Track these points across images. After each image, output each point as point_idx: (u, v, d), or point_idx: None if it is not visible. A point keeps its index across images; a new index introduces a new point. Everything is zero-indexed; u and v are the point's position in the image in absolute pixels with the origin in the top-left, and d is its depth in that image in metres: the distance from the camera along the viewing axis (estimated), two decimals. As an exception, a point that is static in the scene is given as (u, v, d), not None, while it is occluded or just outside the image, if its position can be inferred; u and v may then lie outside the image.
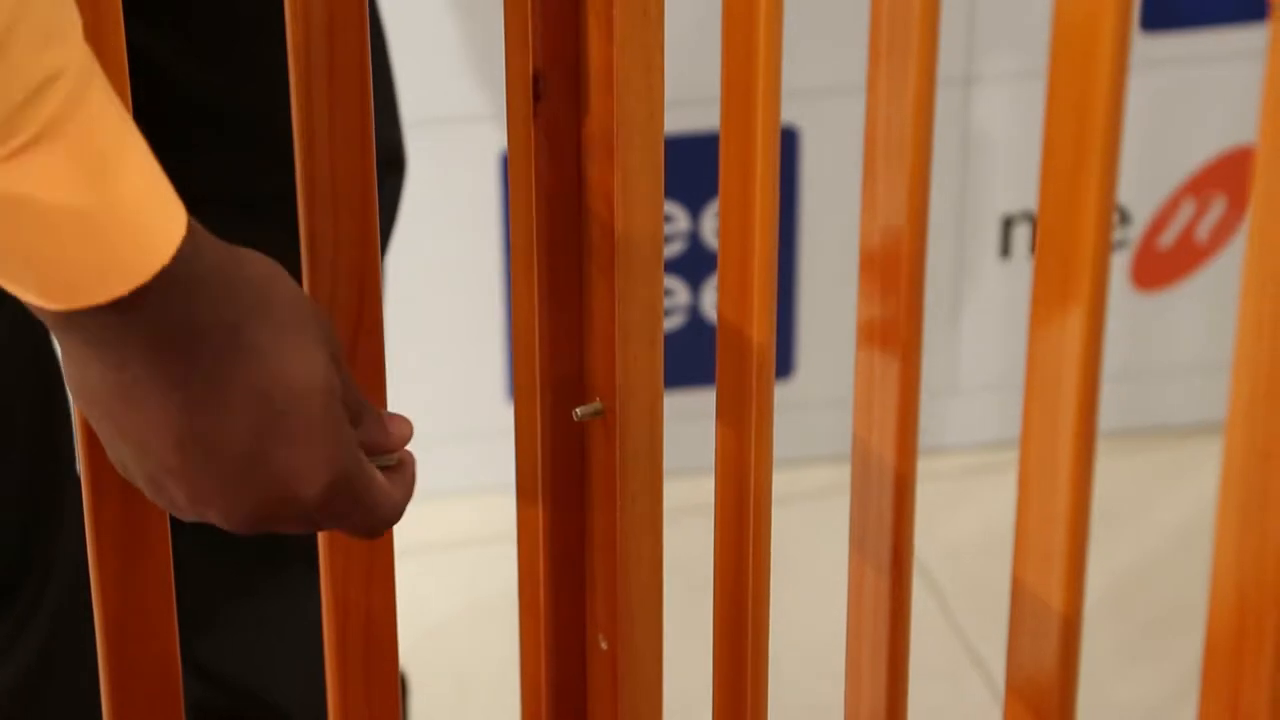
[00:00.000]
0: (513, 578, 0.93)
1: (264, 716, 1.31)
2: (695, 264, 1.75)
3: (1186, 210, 1.78)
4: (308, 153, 0.81)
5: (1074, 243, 0.66)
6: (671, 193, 1.71)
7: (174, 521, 0.87)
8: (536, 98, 0.84)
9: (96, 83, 0.69)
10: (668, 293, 1.75)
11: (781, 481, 0.86)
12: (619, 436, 0.88)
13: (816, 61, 1.67)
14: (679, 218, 1.73)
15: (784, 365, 1.78)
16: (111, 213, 0.70)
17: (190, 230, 0.72)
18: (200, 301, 0.73)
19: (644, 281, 0.86)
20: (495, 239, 1.71)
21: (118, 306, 0.71)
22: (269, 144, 1.09)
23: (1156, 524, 1.75)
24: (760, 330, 0.82)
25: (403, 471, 0.81)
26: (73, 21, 0.68)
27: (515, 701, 0.97)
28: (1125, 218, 1.78)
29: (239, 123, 1.12)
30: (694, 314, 1.77)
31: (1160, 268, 1.80)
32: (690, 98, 1.52)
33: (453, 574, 1.43)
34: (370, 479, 0.79)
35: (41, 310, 0.72)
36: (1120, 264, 1.79)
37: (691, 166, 1.58)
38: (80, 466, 0.86)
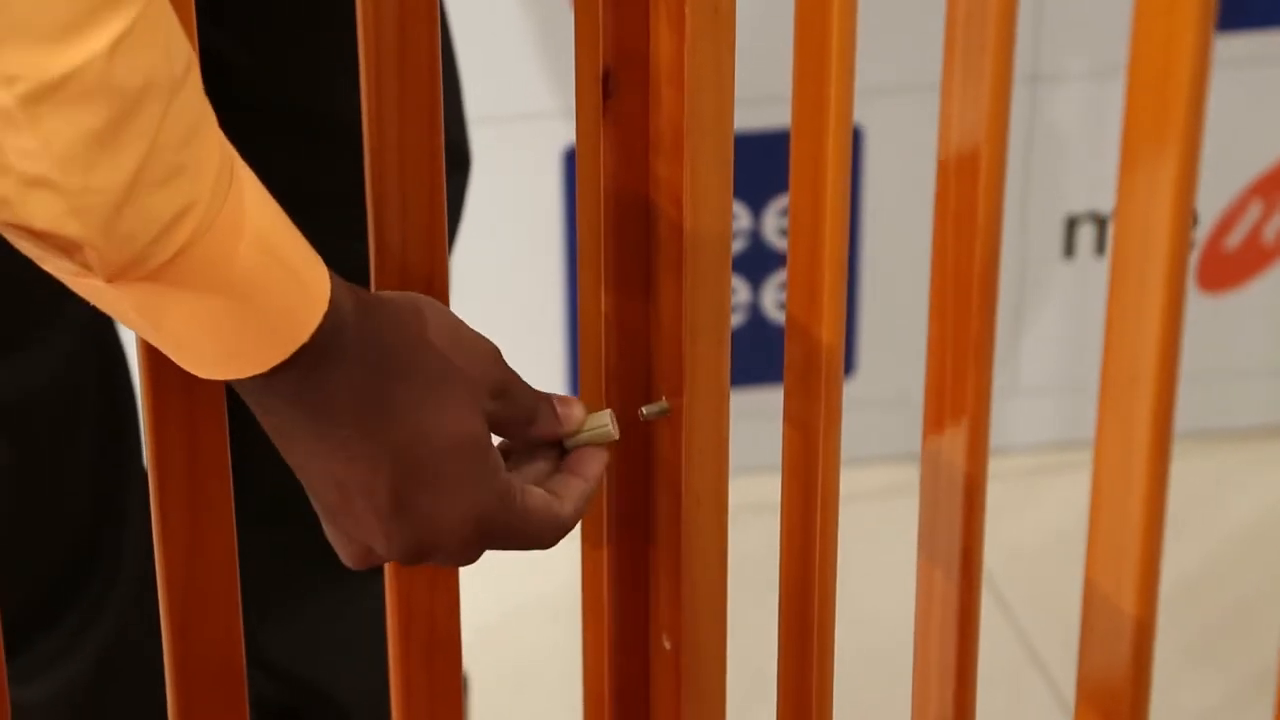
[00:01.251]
0: (576, 576, 0.93)
1: (325, 712, 1.31)
2: (757, 263, 1.75)
3: (1254, 211, 1.77)
4: (377, 152, 0.81)
5: (1151, 243, 0.66)
6: (734, 191, 1.70)
7: (238, 516, 0.87)
8: (606, 95, 0.84)
9: (235, 188, 0.71)
10: (729, 291, 1.75)
11: (841, 480, 0.86)
12: (685, 435, 0.87)
13: (880, 60, 1.66)
14: (741, 216, 1.73)
15: (845, 364, 1.78)
16: (246, 308, 0.72)
17: (332, 305, 0.74)
18: (340, 368, 0.75)
19: (712, 280, 0.85)
20: (559, 235, 1.71)
21: (253, 376, 0.73)
22: (324, 142, 1.09)
23: (1222, 526, 1.74)
24: (829, 330, 0.81)
25: (581, 480, 0.83)
26: (205, 148, 0.69)
27: (577, 700, 0.97)
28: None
29: (294, 120, 1.12)
30: (755, 312, 1.76)
31: (1226, 269, 1.79)
32: (751, 96, 1.51)
33: (515, 571, 1.43)
34: (520, 517, 0.81)
35: None
36: (1185, 265, 1.78)
37: (753, 165, 1.57)
38: (147, 459, 0.86)
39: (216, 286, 0.71)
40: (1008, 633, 1.66)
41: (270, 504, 1.24)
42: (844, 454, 0.85)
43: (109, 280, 0.69)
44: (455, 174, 1.20)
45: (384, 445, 0.77)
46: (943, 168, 0.74)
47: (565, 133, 1.67)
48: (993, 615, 1.66)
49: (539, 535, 0.82)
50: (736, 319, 1.76)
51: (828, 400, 0.83)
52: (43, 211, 0.67)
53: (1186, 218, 0.65)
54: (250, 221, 0.71)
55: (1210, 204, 1.76)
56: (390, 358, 0.77)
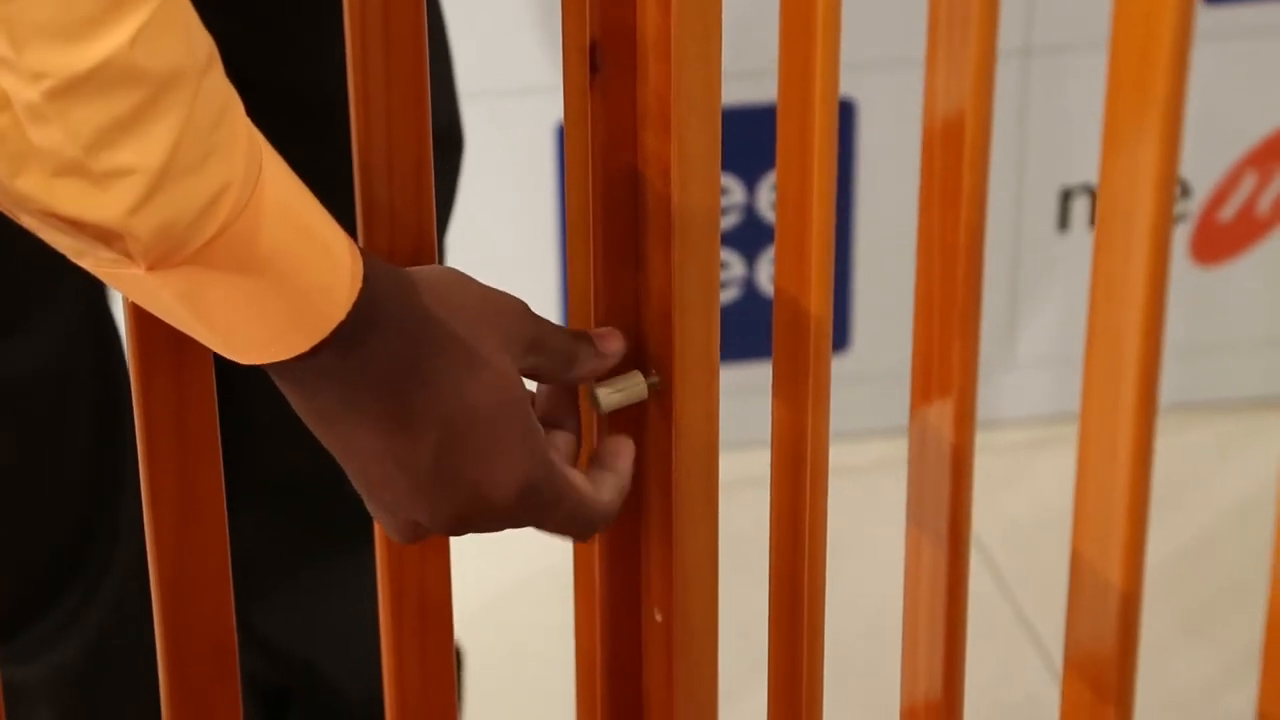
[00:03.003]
0: (568, 550, 0.93)
1: (318, 689, 1.31)
2: (750, 237, 1.75)
3: (1248, 183, 1.77)
4: (364, 128, 0.81)
5: (1135, 215, 0.66)
6: (726, 165, 1.70)
7: (230, 493, 0.87)
8: (593, 69, 0.84)
9: (266, 171, 0.71)
10: (722, 266, 1.75)
11: (834, 455, 0.86)
12: (675, 410, 0.87)
13: (873, 34, 1.66)
14: (734, 190, 1.73)
15: (839, 339, 1.78)
16: (285, 287, 0.72)
17: (367, 279, 0.74)
18: (376, 343, 0.75)
19: (701, 253, 0.85)
20: (552, 210, 1.71)
21: (295, 357, 0.74)
22: (322, 124, 1.09)
23: (1215, 499, 1.74)
24: (817, 303, 0.82)
25: (613, 473, 0.84)
26: (234, 130, 0.70)
27: (569, 674, 0.97)
28: (1185, 191, 1.77)
29: (290, 103, 1.12)
30: (749, 287, 1.76)
31: (1220, 241, 1.79)
32: (744, 69, 1.51)
33: (507, 546, 1.43)
34: (564, 485, 0.81)
35: None
36: (1180, 237, 1.78)
37: (747, 138, 1.58)
38: (138, 437, 0.86)
39: (255, 266, 0.71)
40: (1002, 604, 1.66)
41: (266, 483, 1.24)
42: (838, 429, 0.85)
43: (150, 268, 0.70)
44: (448, 156, 1.20)
45: (425, 416, 0.77)
46: (928, 140, 0.74)
47: (558, 108, 1.67)
48: (988, 587, 1.66)
49: (578, 512, 0.82)
50: (730, 293, 1.76)
51: (816, 374, 0.83)
52: (71, 198, 0.67)
53: (1170, 190, 0.65)
54: (281, 200, 0.72)
55: (1204, 176, 1.76)
56: (425, 328, 0.77)
